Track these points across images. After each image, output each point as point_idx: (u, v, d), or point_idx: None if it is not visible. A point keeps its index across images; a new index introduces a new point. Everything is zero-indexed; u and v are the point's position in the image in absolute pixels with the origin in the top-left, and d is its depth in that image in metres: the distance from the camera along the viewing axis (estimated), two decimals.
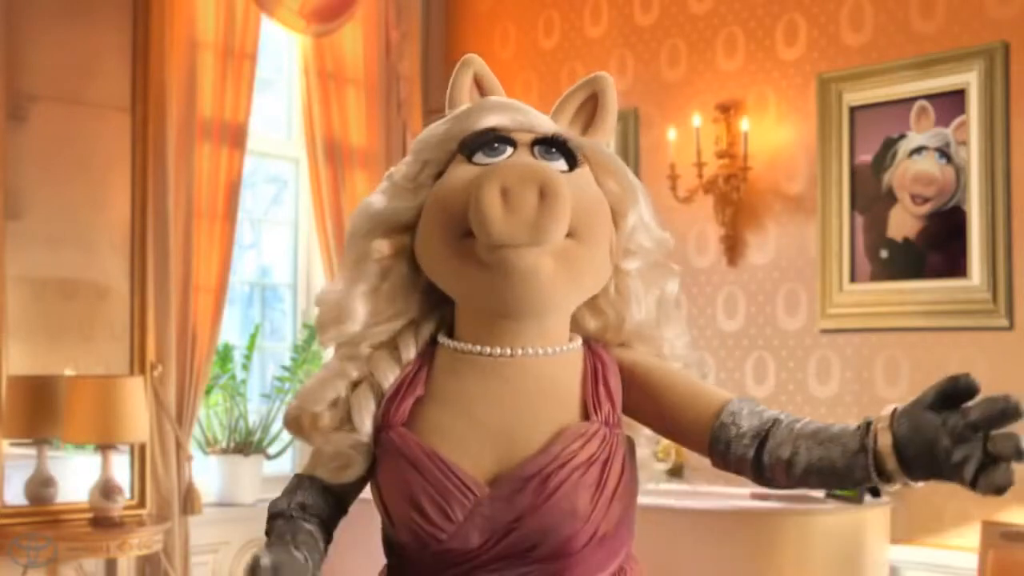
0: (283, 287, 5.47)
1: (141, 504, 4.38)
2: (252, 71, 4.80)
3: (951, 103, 4.08)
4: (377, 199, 1.47)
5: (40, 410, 4.18)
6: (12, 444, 4.24)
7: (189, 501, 4.47)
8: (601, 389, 1.41)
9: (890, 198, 4.24)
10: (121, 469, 4.27)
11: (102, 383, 4.10)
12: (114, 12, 4.46)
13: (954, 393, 1.14)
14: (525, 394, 1.39)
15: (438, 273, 1.42)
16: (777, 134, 4.55)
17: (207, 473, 4.83)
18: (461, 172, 1.41)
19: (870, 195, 4.28)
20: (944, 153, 4.11)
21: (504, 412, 1.37)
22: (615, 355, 1.46)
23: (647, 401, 1.43)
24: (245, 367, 5.00)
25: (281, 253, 5.45)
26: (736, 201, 4.57)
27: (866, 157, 4.30)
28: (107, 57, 4.46)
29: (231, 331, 5.11)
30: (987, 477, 1.11)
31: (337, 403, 1.43)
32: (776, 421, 1.33)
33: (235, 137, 4.73)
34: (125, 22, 4.47)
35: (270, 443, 4.98)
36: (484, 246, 1.32)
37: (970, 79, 4.03)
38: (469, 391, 1.39)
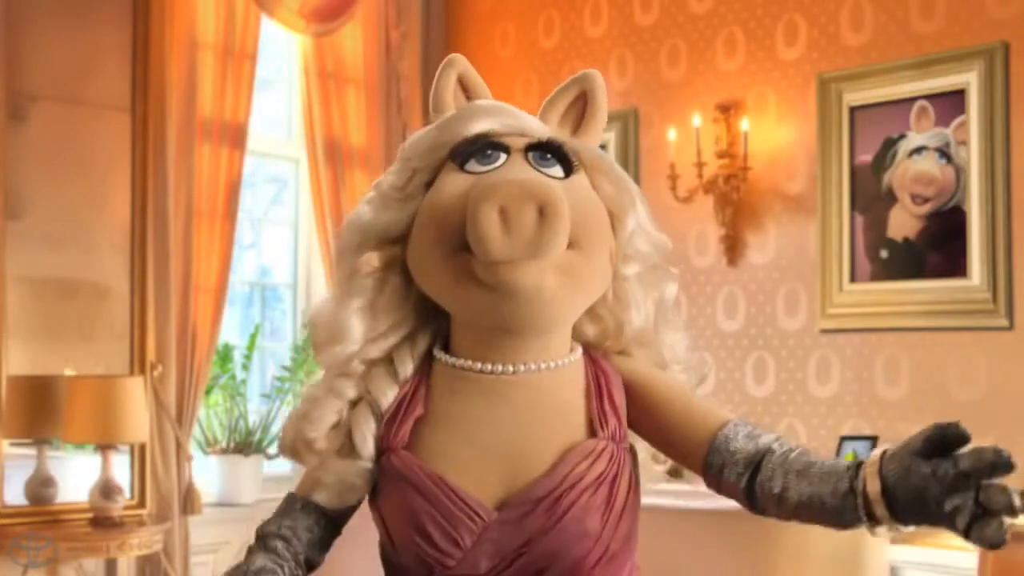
0: (283, 287, 5.47)
1: (141, 504, 4.38)
2: (252, 71, 4.80)
3: (951, 103, 4.08)
4: (365, 211, 1.41)
5: (40, 410, 4.18)
6: (12, 444, 4.24)
7: (189, 501, 4.47)
8: (606, 403, 1.37)
9: (890, 198, 4.24)
10: (121, 469, 4.27)
11: (102, 383, 4.10)
12: (114, 12, 4.46)
13: (943, 442, 1.12)
14: (529, 413, 1.34)
15: (434, 289, 1.37)
16: (777, 134, 4.55)
17: (207, 473, 4.83)
18: (454, 182, 1.35)
19: (870, 195, 4.28)
20: (944, 153, 4.11)
21: (508, 433, 1.33)
22: (617, 366, 1.43)
23: (645, 417, 1.40)
24: (245, 367, 5.00)
25: (281, 253, 5.45)
26: (736, 201, 4.57)
27: (866, 157, 4.30)
28: (107, 57, 4.46)
29: (231, 331, 5.11)
30: (980, 531, 1.10)
31: (335, 425, 1.39)
32: (769, 452, 1.30)
33: (235, 137, 4.73)
34: (125, 22, 4.47)
35: (270, 443, 4.97)
36: (483, 264, 1.28)
37: (970, 79, 4.03)
38: (471, 411, 1.35)
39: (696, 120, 4.58)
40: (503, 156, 1.37)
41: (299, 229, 5.37)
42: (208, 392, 4.79)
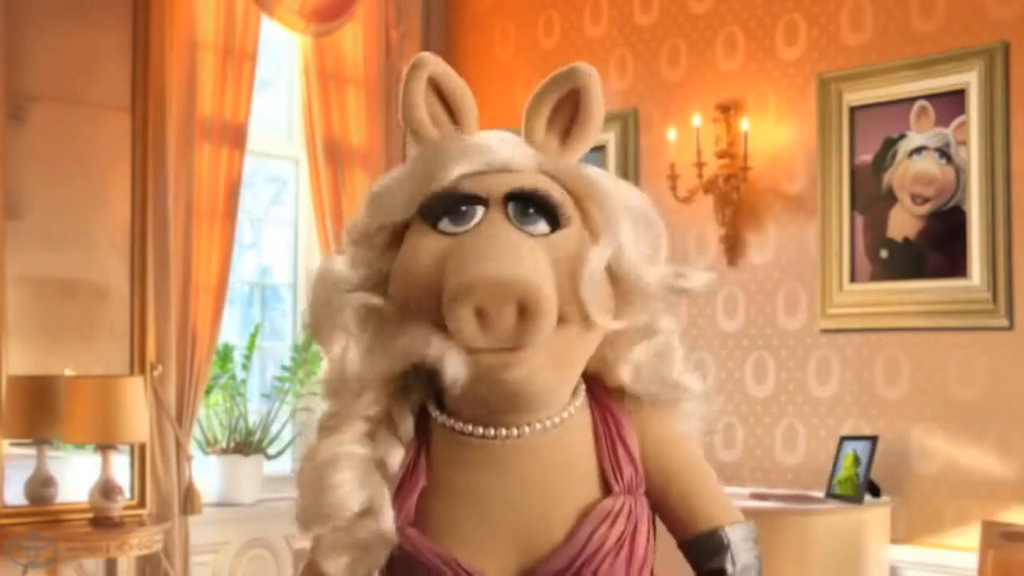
0: (283, 287, 5.47)
1: (141, 504, 4.38)
2: (252, 71, 4.80)
3: (951, 103, 4.08)
4: (338, 265, 1.29)
5: (40, 410, 4.18)
6: (12, 444, 4.24)
7: (189, 501, 4.47)
8: (620, 451, 1.29)
9: (890, 198, 4.23)
10: (121, 469, 4.27)
11: (102, 383, 4.10)
12: (114, 12, 4.46)
13: None
14: (539, 477, 1.26)
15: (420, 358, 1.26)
16: (777, 134, 4.55)
17: (207, 473, 4.83)
18: (426, 246, 1.22)
19: (870, 195, 4.28)
20: (944, 153, 4.10)
21: (519, 502, 1.25)
22: (633, 415, 1.33)
23: (650, 483, 1.33)
24: (245, 367, 5.00)
25: (281, 253, 5.45)
26: (736, 201, 4.56)
27: (866, 157, 4.30)
28: (107, 57, 4.46)
29: (231, 331, 5.11)
30: None
31: (353, 487, 1.27)
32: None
33: (235, 137, 4.73)
34: (125, 22, 4.47)
35: (270, 443, 4.97)
36: (464, 349, 1.18)
37: (970, 79, 4.03)
38: (477, 484, 1.25)
39: (696, 120, 4.58)
40: (479, 211, 1.23)
41: (299, 229, 5.37)
42: (208, 392, 4.79)
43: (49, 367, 4.26)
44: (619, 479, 1.28)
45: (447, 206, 1.23)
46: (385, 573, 1.30)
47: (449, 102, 1.31)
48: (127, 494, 4.28)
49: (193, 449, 4.61)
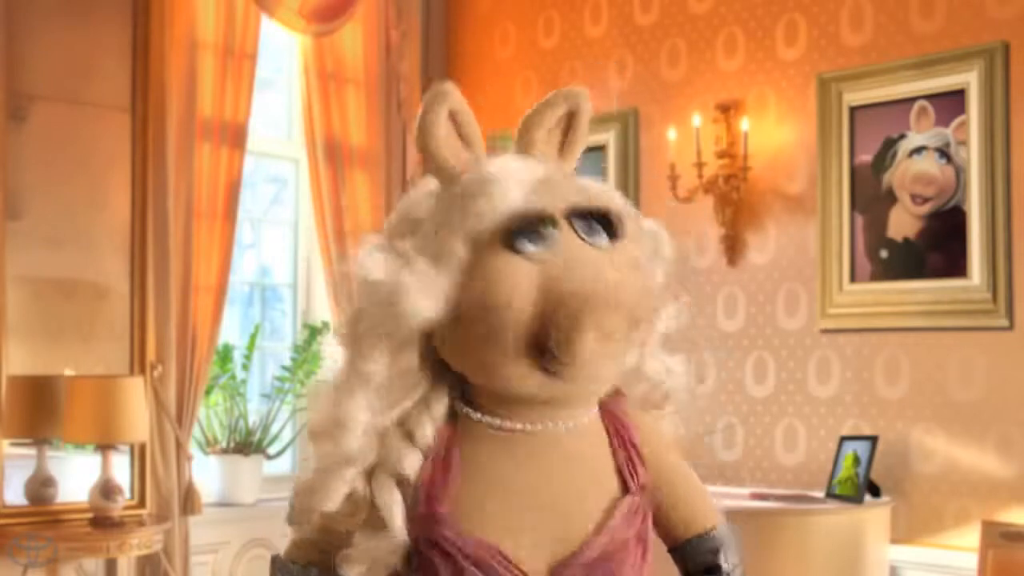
0: (283, 287, 5.47)
1: (141, 504, 4.38)
2: (252, 71, 4.80)
3: (951, 103, 4.08)
4: (409, 294, 1.27)
5: (40, 410, 4.18)
6: (12, 444, 4.24)
7: (189, 501, 4.47)
8: (632, 452, 1.39)
9: (890, 198, 4.23)
10: (121, 469, 4.27)
11: (102, 383, 4.10)
12: (114, 12, 4.46)
13: None
14: (563, 472, 1.34)
15: (479, 378, 1.32)
16: (777, 134, 4.55)
17: (207, 473, 4.83)
18: (510, 270, 1.26)
19: (870, 195, 4.28)
20: (944, 153, 4.10)
21: (549, 493, 1.32)
22: (632, 419, 1.43)
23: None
24: (245, 367, 5.00)
25: (281, 253, 5.45)
26: (736, 201, 4.57)
27: (866, 157, 4.30)
28: (107, 57, 4.46)
29: (231, 331, 5.11)
30: None
31: (349, 496, 1.33)
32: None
33: (235, 137, 4.73)
34: (125, 22, 4.47)
35: (270, 443, 4.98)
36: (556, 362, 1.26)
37: (970, 79, 4.03)
38: (507, 474, 1.32)
39: (696, 120, 4.58)
40: (555, 232, 1.29)
41: (299, 229, 5.37)
42: (208, 392, 4.79)
43: (49, 367, 4.26)
44: (635, 478, 1.37)
45: (526, 228, 1.28)
46: (405, 567, 1.33)
47: (461, 131, 1.38)
48: (127, 494, 4.28)
49: (193, 449, 4.61)
